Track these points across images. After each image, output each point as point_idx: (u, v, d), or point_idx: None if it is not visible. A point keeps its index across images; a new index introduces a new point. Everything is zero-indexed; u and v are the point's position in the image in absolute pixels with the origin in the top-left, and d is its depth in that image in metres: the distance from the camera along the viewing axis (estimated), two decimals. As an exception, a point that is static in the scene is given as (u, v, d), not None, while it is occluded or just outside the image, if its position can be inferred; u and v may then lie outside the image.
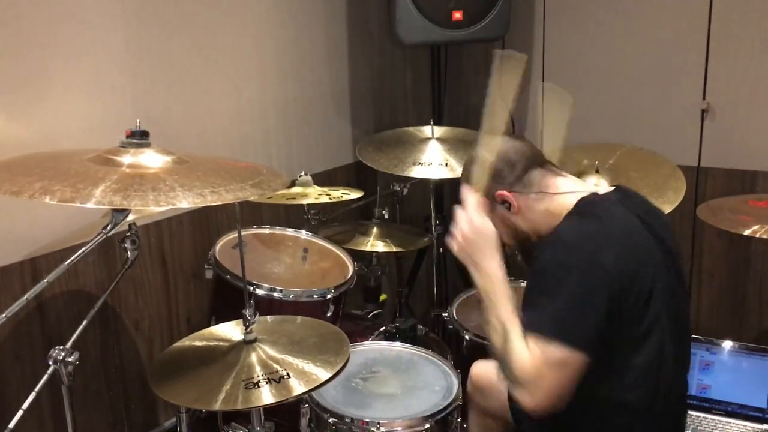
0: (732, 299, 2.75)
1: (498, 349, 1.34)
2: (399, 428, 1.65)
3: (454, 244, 1.43)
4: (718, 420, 2.11)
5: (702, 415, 2.13)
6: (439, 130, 2.54)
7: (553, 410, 1.28)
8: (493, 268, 1.38)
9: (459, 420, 1.77)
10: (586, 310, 1.28)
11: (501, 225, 1.49)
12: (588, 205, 1.40)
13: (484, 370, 1.89)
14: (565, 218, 1.40)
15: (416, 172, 2.32)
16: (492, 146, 1.48)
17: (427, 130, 2.53)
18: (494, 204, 1.48)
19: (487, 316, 1.37)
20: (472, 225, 1.40)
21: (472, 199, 1.44)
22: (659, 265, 1.39)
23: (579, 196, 1.42)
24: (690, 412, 2.14)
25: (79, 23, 1.87)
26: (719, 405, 2.13)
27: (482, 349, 1.98)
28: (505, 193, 1.46)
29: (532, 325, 1.31)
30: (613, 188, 1.49)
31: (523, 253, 1.55)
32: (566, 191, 1.44)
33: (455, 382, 1.82)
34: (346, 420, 1.65)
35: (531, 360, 1.28)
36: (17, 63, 1.74)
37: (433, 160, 2.37)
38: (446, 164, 2.34)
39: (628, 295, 1.31)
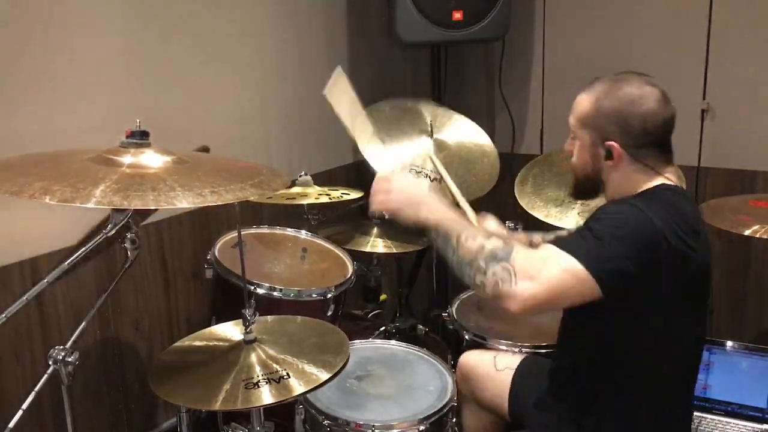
0: (732, 299, 2.75)
1: (487, 249, 1.34)
2: (394, 430, 1.64)
3: (380, 200, 1.48)
4: (718, 420, 2.11)
5: (702, 415, 2.13)
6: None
7: (539, 311, 1.32)
8: (438, 203, 1.45)
9: (454, 420, 1.77)
10: (619, 253, 1.30)
11: (586, 156, 1.52)
12: (663, 191, 1.44)
13: (473, 360, 1.90)
14: (640, 193, 1.44)
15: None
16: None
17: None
18: (597, 141, 1.49)
19: (458, 233, 1.39)
20: (398, 181, 1.48)
21: (386, 172, 1.50)
22: (705, 265, 1.44)
23: (663, 182, 1.46)
24: (690, 412, 2.14)
25: (79, 24, 1.87)
26: (719, 405, 2.13)
27: (483, 349, 1.98)
28: (617, 147, 1.45)
29: (558, 242, 1.35)
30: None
31: (578, 186, 1.59)
32: (656, 177, 1.46)
33: (450, 382, 1.81)
34: (341, 422, 1.65)
35: (540, 254, 1.32)
36: (17, 63, 1.74)
37: (432, 160, 2.36)
38: (446, 164, 2.34)
39: (667, 270, 1.34)
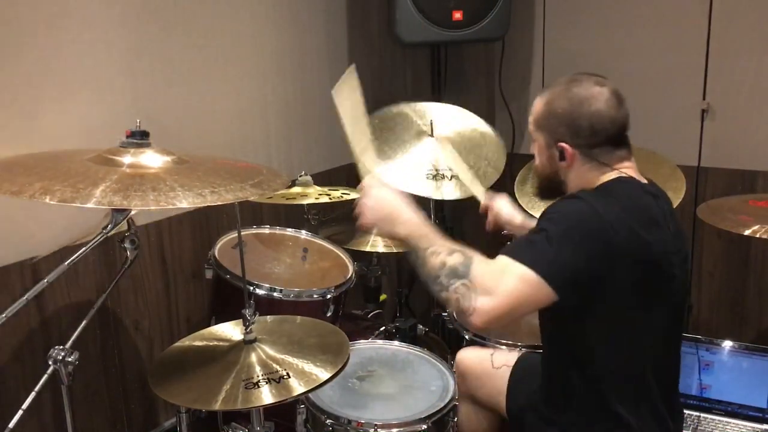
0: (732, 299, 2.75)
1: (448, 266, 1.35)
2: (396, 430, 1.65)
3: (361, 218, 1.49)
4: (718, 420, 2.11)
5: (702, 415, 2.13)
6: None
7: (501, 323, 1.33)
8: (410, 215, 1.44)
9: (456, 420, 1.77)
10: (569, 253, 1.31)
11: (543, 157, 1.54)
12: (618, 183, 1.45)
13: (470, 358, 1.90)
14: (595, 188, 1.45)
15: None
16: (371, 160, 1.53)
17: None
18: (550, 143, 1.50)
19: (424, 248, 1.39)
20: (372, 195, 1.48)
21: (368, 181, 1.51)
22: (666, 256, 1.42)
23: (618, 175, 1.46)
24: (690, 412, 2.14)
25: (79, 23, 1.87)
26: (719, 405, 2.13)
27: (479, 346, 1.98)
28: (568, 149, 1.47)
29: (510, 248, 1.36)
30: (647, 182, 1.52)
31: (542, 186, 1.61)
32: (611, 172, 1.46)
33: (451, 382, 1.82)
34: (343, 421, 1.65)
35: (496, 266, 1.33)
36: (17, 63, 1.74)
37: (432, 160, 2.35)
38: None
39: (621, 264, 1.34)
